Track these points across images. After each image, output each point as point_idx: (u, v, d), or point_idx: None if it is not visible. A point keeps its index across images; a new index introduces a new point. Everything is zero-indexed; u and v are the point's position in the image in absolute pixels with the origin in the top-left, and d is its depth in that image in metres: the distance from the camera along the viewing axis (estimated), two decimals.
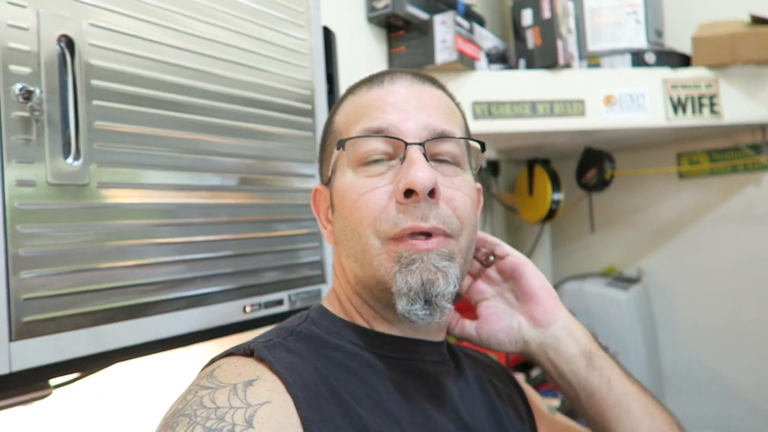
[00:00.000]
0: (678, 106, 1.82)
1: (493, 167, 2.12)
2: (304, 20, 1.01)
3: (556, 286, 2.28)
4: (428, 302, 0.58)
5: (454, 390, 0.68)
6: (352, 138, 0.62)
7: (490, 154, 2.06)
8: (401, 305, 0.58)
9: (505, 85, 1.71)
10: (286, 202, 0.94)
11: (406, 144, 0.60)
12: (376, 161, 0.61)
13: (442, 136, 0.63)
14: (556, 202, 2.02)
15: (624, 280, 2.17)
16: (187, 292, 0.80)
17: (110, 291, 0.69)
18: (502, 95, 1.69)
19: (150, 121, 0.76)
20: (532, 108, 1.71)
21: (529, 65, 1.76)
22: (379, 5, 1.57)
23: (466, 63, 1.62)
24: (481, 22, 1.93)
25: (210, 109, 0.84)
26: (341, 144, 0.63)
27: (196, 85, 0.82)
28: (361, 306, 0.66)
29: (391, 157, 0.62)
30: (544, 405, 0.86)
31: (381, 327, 0.65)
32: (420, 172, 0.58)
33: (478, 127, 1.66)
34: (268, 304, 0.90)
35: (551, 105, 1.72)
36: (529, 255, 2.23)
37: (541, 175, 2.05)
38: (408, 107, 0.63)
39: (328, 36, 1.08)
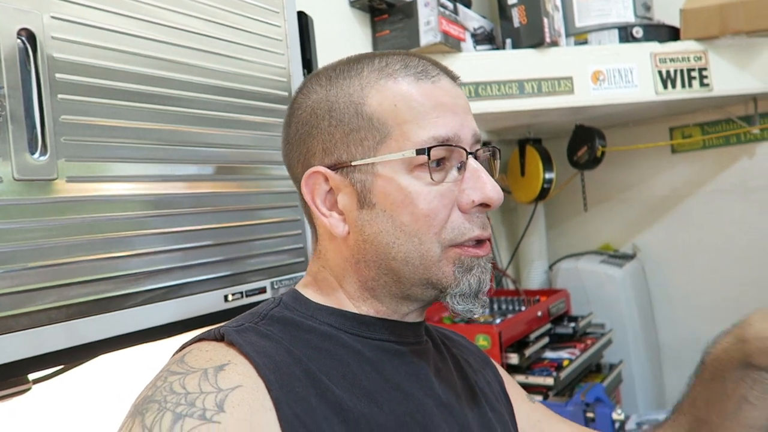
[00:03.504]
0: (667, 80, 1.80)
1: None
2: (278, 5, 1.00)
3: (552, 266, 2.28)
4: (477, 298, 0.63)
5: (431, 368, 0.68)
6: (433, 147, 0.60)
7: (482, 136, 2.05)
8: (461, 306, 0.62)
9: (491, 65, 1.69)
10: (266, 189, 0.94)
11: (468, 153, 0.62)
12: (434, 166, 0.61)
13: (480, 142, 0.66)
14: (549, 182, 2.01)
15: (619, 257, 2.17)
16: (167, 282, 0.80)
17: (85, 284, 0.70)
18: (489, 76, 1.68)
19: (120, 113, 0.75)
20: (520, 87, 1.70)
21: (516, 44, 1.74)
22: None
23: (451, 44, 1.61)
24: (466, 3, 1.91)
25: (182, 99, 0.84)
26: (425, 152, 0.59)
27: (167, 75, 0.82)
28: (356, 290, 0.66)
29: (445, 161, 0.62)
30: (522, 391, 0.87)
31: (368, 309, 0.66)
32: (491, 186, 0.61)
33: None
34: (250, 293, 0.90)
35: (539, 83, 1.71)
36: (523, 235, 2.24)
37: (533, 155, 2.04)
38: (460, 111, 0.63)
39: (303, 21, 1.07)
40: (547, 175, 2.00)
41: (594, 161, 1.95)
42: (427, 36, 1.55)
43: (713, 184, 2.16)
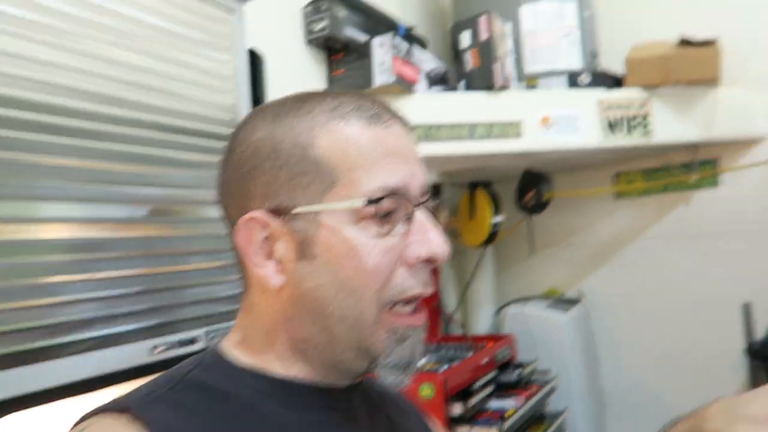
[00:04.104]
0: (612, 126, 1.84)
1: (434, 190, 2.10)
2: (227, 41, 0.96)
3: (499, 310, 2.27)
4: (408, 370, 0.59)
5: None
6: (384, 198, 0.56)
7: (432, 177, 2.04)
8: (390, 378, 0.58)
9: (443, 107, 1.69)
10: (203, 232, 0.88)
11: (416, 205, 0.58)
12: (381, 218, 0.57)
13: (427, 192, 0.61)
14: (497, 225, 2.01)
15: (565, 302, 2.18)
16: (91, 332, 0.73)
17: None
18: (441, 118, 1.68)
19: (48, 149, 0.69)
20: (471, 130, 1.70)
21: (469, 87, 1.75)
22: (317, 27, 1.54)
23: (404, 86, 1.60)
24: (422, 45, 1.92)
25: (118, 136, 0.78)
26: (375, 202, 0.55)
27: (103, 110, 0.76)
28: (286, 349, 0.60)
29: (393, 212, 0.57)
30: None
31: (297, 372, 0.60)
32: (439, 241, 0.57)
33: None
34: (180, 343, 0.83)
35: (490, 127, 1.72)
36: (471, 279, 2.22)
37: (482, 198, 2.04)
38: (412, 160, 0.60)
39: (254, 59, 1.04)
40: (496, 219, 2.00)
41: (541, 206, 1.96)
42: (381, 77, 1.53)
43: (654, 230, 2.21)
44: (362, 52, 1.56)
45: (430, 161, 1.78)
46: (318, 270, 0.57)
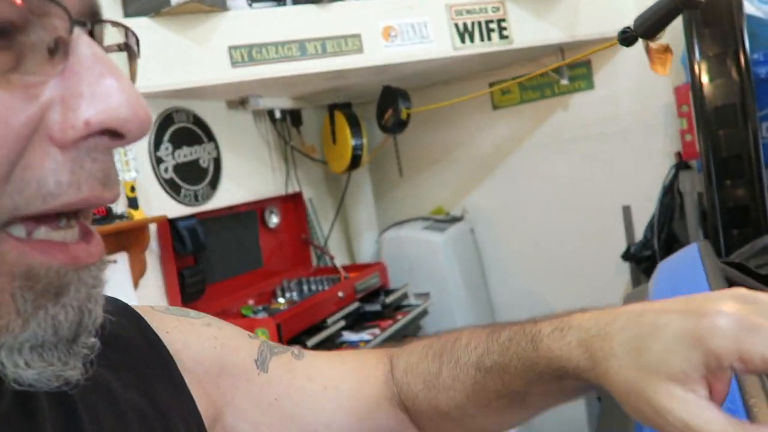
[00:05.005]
0: (465, 33, 1.70)
1: (292, 117, 1.94)
2: None
3: (380, 236, 2.18)
4: (71, 350, 0.29)
5: None
6: None
7: (285, 103, 1.88)
8: (32, 370, 0.28)
9: (267, 24, 1.52)
10: None
11: (75, 22, 0.28)
12: None
13: (99, 15, 0.31)
14: (359, 148, 1.88)
15: (444, 221, 2.10)
16: None
17: None
18: (265, 37, 1.51)
19: None
20: (301, 48, 1.54)
21: (297, 0, 1.57)
22: None
23: (212, 2, 1.41)
24: None
25: None
26: None
27: None
28: None
29: (17, 32, 0.26)
30: (247, 357, 0.51)
31: None
32: (127, 93, 0.28)
33: (237, 75, 1.47)
34: None
35: (323, 43, 1.56)
36: (340, 206, 2.12)
37: (341, 121, 1.90)
38: None
39: None
40: (355, 142, 1.87)
41: (400, 124, 1.83)
42: None
43: (533, 138, 2.12)
44: None
45: (259, 84, 1.63)
46: None
